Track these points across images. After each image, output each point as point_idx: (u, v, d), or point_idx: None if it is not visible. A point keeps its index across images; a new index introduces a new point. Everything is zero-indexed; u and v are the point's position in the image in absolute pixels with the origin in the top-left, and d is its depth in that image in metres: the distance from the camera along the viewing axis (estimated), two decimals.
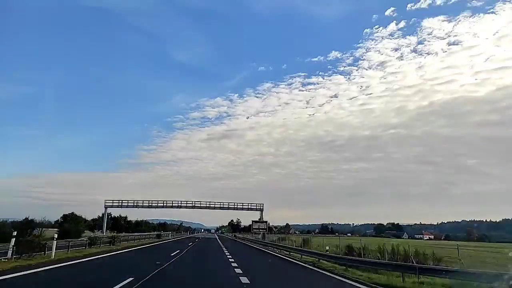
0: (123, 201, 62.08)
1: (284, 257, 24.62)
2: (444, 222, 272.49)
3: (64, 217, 53.32)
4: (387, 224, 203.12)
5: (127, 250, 26.43)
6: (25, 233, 18.85)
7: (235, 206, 59.88)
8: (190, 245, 36.46)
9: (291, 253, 25.95)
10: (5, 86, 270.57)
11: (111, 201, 61.61)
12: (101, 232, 56.61)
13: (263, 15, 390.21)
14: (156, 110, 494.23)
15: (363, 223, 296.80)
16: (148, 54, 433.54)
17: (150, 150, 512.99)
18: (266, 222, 55.86)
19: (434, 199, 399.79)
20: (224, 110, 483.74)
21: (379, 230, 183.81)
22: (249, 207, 58.88)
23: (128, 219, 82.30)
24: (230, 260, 19.76)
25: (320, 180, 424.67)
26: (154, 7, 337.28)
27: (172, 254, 22.01)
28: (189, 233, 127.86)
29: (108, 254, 21.15)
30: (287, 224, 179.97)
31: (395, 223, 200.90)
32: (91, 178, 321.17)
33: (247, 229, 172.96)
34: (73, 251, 20.49)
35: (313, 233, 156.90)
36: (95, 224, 69.02)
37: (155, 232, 61.43)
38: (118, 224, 75.65)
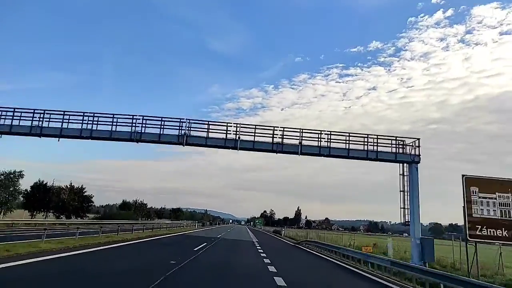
0: None
1: None
2: None
3: None
4: (430, 223, 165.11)
5: None
6: None
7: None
8: None
9: None
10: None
11: None
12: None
13: (302, 5, 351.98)
14: (192, 100, 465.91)
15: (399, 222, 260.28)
16: (185, 44, 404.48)
17: None
18: None
19: None
20: (258, 101, 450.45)
21: (438, 231, 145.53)
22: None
23: (91, 196, 46.51)
24: None
25: (355, 175, 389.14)
26: None
27: None
28: (198, 225, 75.31)
29: None
30: (326, 218, 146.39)
31: (453, 223, 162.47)
32: (131, 165, 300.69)
33: (282, 222, 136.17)
34: None
35: (359, 231, 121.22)
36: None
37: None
38: (65, 202, 40.49)
